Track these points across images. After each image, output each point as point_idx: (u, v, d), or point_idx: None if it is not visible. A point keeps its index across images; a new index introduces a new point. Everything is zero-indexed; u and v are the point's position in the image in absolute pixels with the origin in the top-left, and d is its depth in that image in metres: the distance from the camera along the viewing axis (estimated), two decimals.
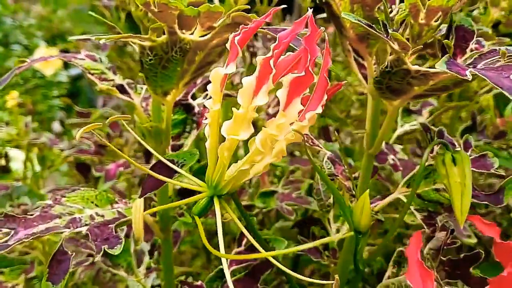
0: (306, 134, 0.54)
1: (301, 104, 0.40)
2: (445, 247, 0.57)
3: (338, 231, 0.82)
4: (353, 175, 0.76)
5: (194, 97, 0.73)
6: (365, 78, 0.62)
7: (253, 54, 1.05)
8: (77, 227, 0.46)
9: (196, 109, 0.69)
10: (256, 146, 0.40)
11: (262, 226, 1.06)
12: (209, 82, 0.42)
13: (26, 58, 0.58)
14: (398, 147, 0.87)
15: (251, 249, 0.66)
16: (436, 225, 0.61)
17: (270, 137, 0.39)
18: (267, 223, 1.08)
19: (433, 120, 1.04)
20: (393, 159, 0.82)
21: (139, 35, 0.46)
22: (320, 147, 0.62)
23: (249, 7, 0.53)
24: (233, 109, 0.39)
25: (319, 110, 0.42)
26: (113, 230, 0.45)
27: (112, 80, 0.59)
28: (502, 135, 1.07)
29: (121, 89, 0.59)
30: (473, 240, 0.78)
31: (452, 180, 0.51)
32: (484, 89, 1.05)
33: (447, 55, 0.42)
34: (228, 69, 0.40)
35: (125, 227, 0.51)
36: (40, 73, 2.64)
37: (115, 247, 0.42)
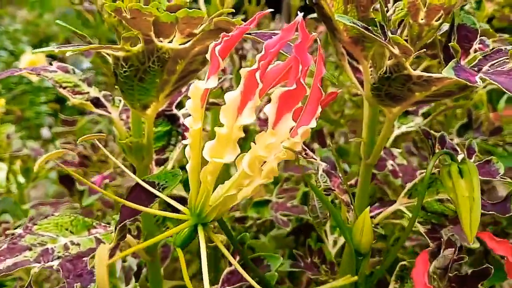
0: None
1: (293, 119, 0.36)
2: (452, 265, 0.53)
3: (335, 243, 0.78)
4: (350, 182, 0.72)
5: (181, 106, 0.69)
6: (361, 83, 0.58)
7: (243, 57, 1.01)
8: (48, 261, 0.42)
9: (181, 120, 0.65)
10: (243, 168, 0.35)
11: (256, 233, 1.02)
12: None
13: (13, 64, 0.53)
14: (396, 151, 0.83)
15: (243, 268, 0.62)
16: (441, 239, 0.57)
17: (258, 158, 0.35)
18: (261, 229, 1.04)
19: (430, 121, 1.00)
20: (392, 165, 0.78)
21: (110, 45, 0.41)
22: (315, 158, 0.58)
23: (233, 10, 0.49)
24: (216, 128, 0.34)
25: (313, 124, 0.38)
26: (87, 264, 0.40)
27: (87, 92, 0.54)
28: (498, 131, 1.04)
29: (97, 102, 0.54)
30: (476, 245, 0.75)
31: (459, 194, 0.46)
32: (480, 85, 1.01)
33: (455, 59, 0.38)
34: (208, 83, 0.35)
35: None
36: (27, 79, 2.58)
37: (89, 285, 0.38)
